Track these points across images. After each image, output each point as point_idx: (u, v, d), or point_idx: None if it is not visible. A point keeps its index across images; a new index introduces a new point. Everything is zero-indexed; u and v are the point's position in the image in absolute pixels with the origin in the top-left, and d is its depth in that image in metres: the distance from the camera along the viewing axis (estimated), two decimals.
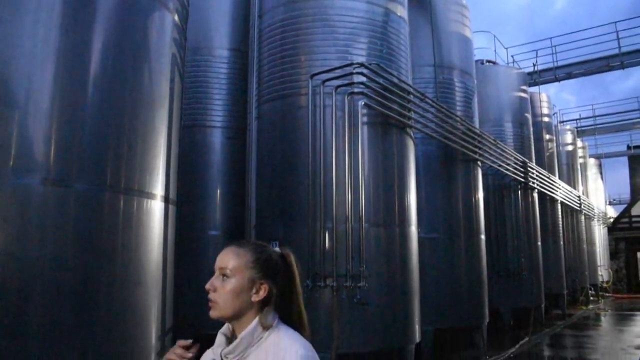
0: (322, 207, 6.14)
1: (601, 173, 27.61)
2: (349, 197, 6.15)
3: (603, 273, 22.84)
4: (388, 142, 6.73)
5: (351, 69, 6.40)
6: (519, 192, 12.11)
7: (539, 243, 13.06)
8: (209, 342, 1.72)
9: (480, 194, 9.73)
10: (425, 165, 8.81)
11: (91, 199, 3.89)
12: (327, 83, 6.39)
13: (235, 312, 1.54)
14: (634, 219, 26.54)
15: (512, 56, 19.65)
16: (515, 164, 11.71)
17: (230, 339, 1.61)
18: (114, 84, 4.14)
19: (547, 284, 13.57)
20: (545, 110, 17.03)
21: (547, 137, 16.69)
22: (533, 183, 12.65)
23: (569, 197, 16.85)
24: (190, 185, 7.83)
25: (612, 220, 27.50)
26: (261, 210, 6.83)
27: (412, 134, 7.27)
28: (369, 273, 6.02)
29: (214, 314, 1.56)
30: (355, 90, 6.41)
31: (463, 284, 8.88)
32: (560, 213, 15.84)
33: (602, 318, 15.79)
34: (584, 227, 19.56)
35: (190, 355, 1.57)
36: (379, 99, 6.59)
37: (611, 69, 19.72)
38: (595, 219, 22.41)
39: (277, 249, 1.68)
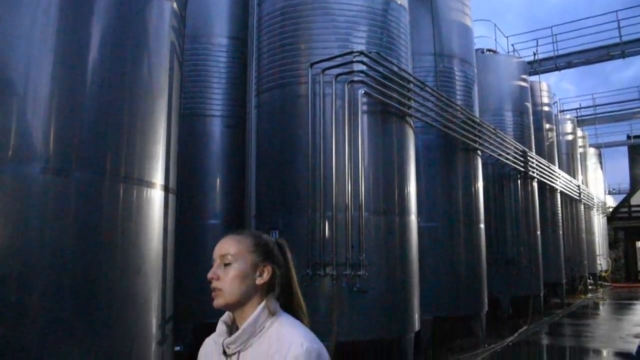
0: (322, 196, 6.14)
1: (601, 163, 27.61)
2: (348, 186, 6.15)
3: (602, 262, 22.91)
4: (388, 131, 6.71)
5: (351, 58, 6.37)
6: (519, 181, 12.11)
7: (539, 232, 13.09)
8: (208, 331, 1.72)
9: (480, 183, 9.73)
10: (425, 154, 8.80)
11: (91, 188, 3.89)
12: (327, 72, 6.36)
13: (240, 298, 1.54)
14: (633, 209, 26.58)
15: (512, 45, 19.59)
16: (515, 153, 11.70)
17: (231, 327, 1.61)
18: (113, 72, 4.12)
19: (546, 273, 13.61)
20: (545, 100, 16.99)
21: (547, 126, 16.67)
22: (533, 172, 12.65)
23: (568, 187, 16.86)
24: (190, 174, 7.82)
25: (611, 210, 27.55)
26: (261, 199, 6.83)
27: (412, 123, 7.25)
28: (368, 262, 6.03)
29: (219, 302, 1.54)
30: (355, 78, 6.38)
31: (462, 273, 8.90)
32: (559, 202, 15.86)
33: (601, 307, 15.86)
34: (583, 217, 19.59)
35: None
36: (379, 87, 6.56)
37: (612, 58, 19.65)
38: (595, 209, 22.44)
39: (273, 238, 1.69)
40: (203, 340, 1.75)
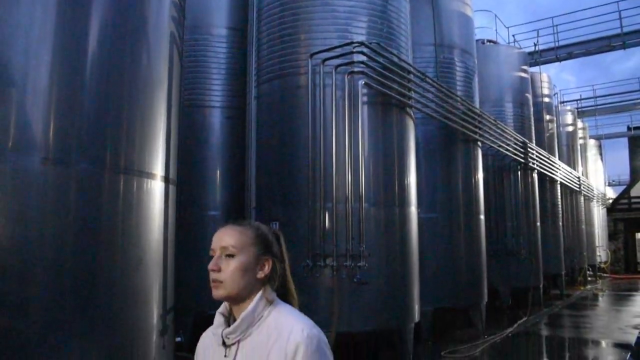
0: (322, 187, 6.13)
1: (601, 154, 27.59)
2: (348, 177, 6.14)
3: (601, 254, 22.95)
4: (388, 122, 6.70)
5: (351, 48, 6.35)
6: (519, 172, 12.11)
7: (538, 223, 13.10)
8: (209, 323, 1.71)
9: (480, 175, 9.72)
10: (425, 145, 8.78)
11: (91, 179, 3.88)
12: (326, 62, 6.34)
13: (241, 290, 1.53)
14: (633, 200, 26.60)
15: (513, 36, 19.56)
16: (515, 144, 11.69)
17: (228, 318, 1.60)
18: (112, 62, 4.10)
19: (546, 264, 13.64)
20: (545, 91, 16.94)
21: (548, 117, 16.63)
22: (533, 164, 12.64)
23: (568, 178, 16.86)
24: (190, 166, 7.82)
25: (611, 201, 27.57)
26: (261, 190, 6.82)
27: (412, 114, 7.24)
28: (368, 253, 6.03)
29: (219, 293, 1.54)
30: (355, 69, 6.36)
31: (462, 264, 8.91)
32: (559, 194, 15.87)
33: (600, 298, 15.90)
34: (583, 208, 19.61)
35: None
36: (379, 78, 6.54)
37: (612, 48, 19.58)
38: (595, 200, 22.46)
39: (271, 228, 1.68)
40: (203, 331, 1.75)
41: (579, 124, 22.47)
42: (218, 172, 8.31)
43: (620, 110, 26.46)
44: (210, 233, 1.63)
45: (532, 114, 13.88)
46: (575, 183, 18.04)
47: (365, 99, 6.49)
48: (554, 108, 17.90)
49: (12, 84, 3.74)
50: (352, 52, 6.34)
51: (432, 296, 8.17)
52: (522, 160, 11.96)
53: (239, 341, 1.53)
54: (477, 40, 11.58)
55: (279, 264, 1.62)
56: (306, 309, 1.61)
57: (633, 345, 8.46)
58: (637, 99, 25.19)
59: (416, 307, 6.77)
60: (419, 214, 7.26)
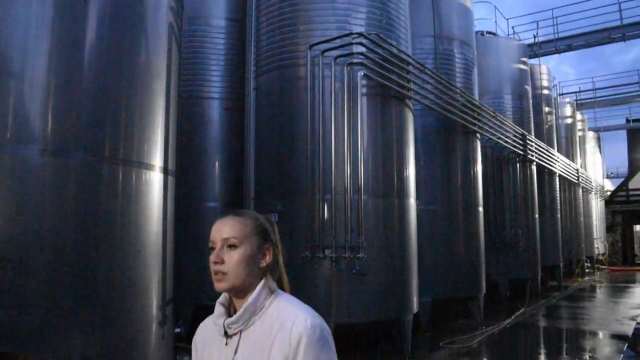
0: (321, 179, 6.13)
1: (599, 146, 27.59)
2: (347, 168, 6.14)
3: (599, 246, 23.01)
4: (387, 114, 6.69)
5: (350, 39, 6.32)
6: (518, 164, 12.11)
7: (537, 215, 13.12)
8: (208, 313, 1.71)
9: (479, 167, 9.72)
10: (424, 137, 8.78)
11: (90, 170, 3.88)
12: (326, 53, 6.32)
13: (244, 281, 1.53)
14: (631, 193, 26.63)
15: (512, 27, 19.51)
16: (515, 136, 11.69)
17: (228, 308, 1.60)
18: (110, 53, 4.09)
19: (544, 256, 13.68)
20: (545, 83, 16.92)
21: (547, 109, 16.61)
22: (532, 156, 12.64)
23: (567, 170, 16.88)
24: (188, 157, 7.81)
25: (609, 193, 27.60)
26: (260, 182, 6.82)
27: (411, 106, 7.22)
28: (367, 244, 6.04)
29: (223, 285, 1.53)
30: (355, 60, 6.34)
31: (461, 255, 8.93)
32: (558, 186, 15.89)
33: (598, 290, 15.95)
34: (581, 200, 19.63)
35: None
36: (379, 69, 6.52)
37: (612, 40, 19.55)
38: (593, 192, 22.49)
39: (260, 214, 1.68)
40: (202, 321, 1.74)
41: (578, 116, 22.45)
42: (217, 163, 8.30)
43: (619, 102, 26.45)
44: (209, 225, 1.62)
45: (531, 106, 13.87)
46: (574, 175, 18.06)
47: (364, 90, 6.47)
48: (553, 100, 17.88)
49: (10, 75, 3.73)
50: (351, 43, 6.32)
51: (430, 287, 8.19)
52: (521, 152, 11.96)
53: (240, 331, 1.53)
54: (476, 32, 11.54)
55: (277, 253, 1.63)
56: (305, 300, 1.61)
57: (630, 336, 8.51)
58: (636, 91, 25.17)
59: (415, 298, 6.79)
60: (417, 205, 7.27)
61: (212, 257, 1.53)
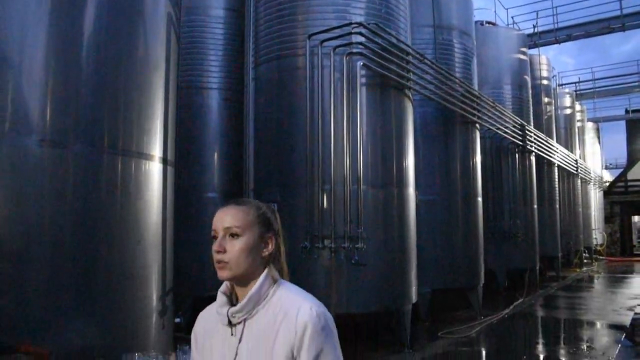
0: (320, 169, 6.13)
1: (598, 137, 27.59)
2: (347, 158, 6.14)
3: (597, 236, 23.07)
4: (386, 104, 6.68)
5: (349, 29, 6.30)
6: (517, 155, 12.11)
7: (535, 206, 13.14)
8: (208, 303, 1.71)
9: (478, 157, 9.72)
10: (423, 127, 8.76)
11: (89, 160, 3.87)
12: (325, 43, 6.29)
13: (246, 270, 1.53)
14: (629, 184, 26.66)
15: (512, 17, 19.40)
16: (514, 126, 11.67)
17: (230, 297, 1.60)
18: (109, 44, 4.07)
19: (542, 246, 13.71)
20: (544, 73, 16.87)
21: (546, 100, 16.59)
22: (531, 146, 12.64)
23: (566, 161, 16.88)
24: (187, 148, 7.79)
25: (608, 184, 27.63)
26: (259, 172, 6.82)
27: (410, 96, 7.21)
28: (366, 234, 6.05)
29: (225, 274, 1.52)
30: (354, 50, 6.32)
31: (459, 246, 8.95)
32: (557, 176, 15.90)
33: (596, 280, 16.02)
34: (580, 191, 19.66)
35: None
36: (378, 59, 6.50)
37: (612, 30, 19.48)
38: (592, 183, 22.52)
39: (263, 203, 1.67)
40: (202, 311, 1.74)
41: (577, 107, 22.43)
42: (216, 154, 8.29)
43: (619, 93, 26.43)
44: (209, 215, 1.62)
45: (531, 97, 13.84)
46: (573, 166, 18.07)
47: (363, 80, 6.45)
48: (552, 90, 17.84)
49: (8, 66, 3.72)
50: (350, 33, 6.30)
51: (429, 278, 8.22)
52: (520, 143, 11.96)
53: (245, 320, 1.53)
54: (475, 22, 11.48)
55: (279, 242, 1.62)
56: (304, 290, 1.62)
57: (628, 326, 8.55)
58: (636, 81, 25.15)
59: (414, 289, 6.81)
60: (416, 196, 7.27)
61: (215, 246, 1.53)
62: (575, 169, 18.34)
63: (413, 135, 7.17)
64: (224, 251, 1.52)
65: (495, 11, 16.76)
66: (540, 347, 7.50)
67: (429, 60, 7.96)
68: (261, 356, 1.48)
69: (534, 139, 13.02)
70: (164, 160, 4.47)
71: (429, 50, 9.08)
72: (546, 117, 16.28)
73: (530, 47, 16.35)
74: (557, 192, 15.82)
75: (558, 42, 20.54)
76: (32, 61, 3.75)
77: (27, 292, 3.57)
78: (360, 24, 6.32)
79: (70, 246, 3.73)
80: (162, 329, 4.30)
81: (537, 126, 14.30)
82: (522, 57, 13.64)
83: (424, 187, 8.48)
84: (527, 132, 12.30)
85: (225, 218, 1.55)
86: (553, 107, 17.39)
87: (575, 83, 26.28)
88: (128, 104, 4.16)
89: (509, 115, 11.36)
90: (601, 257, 23.13)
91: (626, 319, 9.16)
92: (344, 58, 6.27)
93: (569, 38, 20.41)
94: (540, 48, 19.04)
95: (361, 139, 6.25)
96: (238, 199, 1.64)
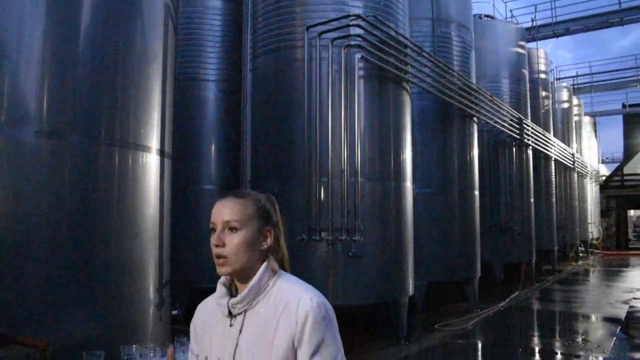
0: (318, 161, 6.12)
1: (595, 131, 27.63)
2: (344, 151, 6.13)
3: (593, 230, 23.15)
4: (384, 96, 6.66)
5: (348, 21, 6.27)
6: (514, 149, 12.12)
7: (532, 199, 13.16)
8: (205, 295, 1.71)
9: (475, 150, 9.73)
10: (420, 120, 8.75)
11: (86, 152, 3.86)
12: (323, 35, 6.26)
13: (246, 264, 1.52)
14: (625, 178, 26.72)
15: (510, 11, 19.35)
16: (511, 120, 11.67)
17: (230, 288, 1.60)
18: (106, 35, 4.05)
19: (539, 240, 13.75)
20: (542, 67, 16.86)
21: (543, 94, 16.58)
22: (528, 140, 12.65)
23: (563, 155, 16.91)
24: (185, 140, 7.78)
25: (604, 178, 27.70)
26: (256, 165, 6.81)
27: (408, 89, 7.19)
28: (364, 227, 6.06)
29: (225, 269, 1.52)
30: (352, 43, 6.30)
31: (456, 239, 8.98)
32: (553, 170, 15.93)
33: (591, 274, 16.10)
34: (576, 185, 19.71)
35: None
36: (376, 52, 6.48)
37: (610, 25, 19.47)
38: (588, 177, 22.57)
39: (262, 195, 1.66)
40: (199, 304, 1.74)
41: (575, 101, 22.45)
42: (213, 146, 8.27)
43: (616, 87, 26.46)
44: (206, 207, 1.61)
45: (528, 90, 13.84)
46: (570, 160, 18.10)
47: (361, 73, 6.43)
48: (550, 84, 17.83)
49: (5, 57, 3.70)
50: (348, 25, 6.27)
51: (426, 270, 8.24)
52: (518, 137, 11.97)
53: (245, 311, 1.53)
54: (474, 15, 11.46)
55: (278, 234, 1.62)
56: None
57: (623, 319, 8.60)
58: (633, 76, 25.18)
59: (410, 281, 6.83)
60: (414, 189, 7.27)
61: (213, 240, 1.52)
62: (572, 163, 18.37)
63: (411, 129, 7.16)
64: (223, 245, 1.51)
65: (493, 4, 16.70)
66: (536, 340, 7.54)
67: (427, 53, 7.94)
68: (262, 347, 1.48)
69: (531, 132, 13.03)
70: (162, 152, 4.46)
71: (427, 43, 9.06)
72: (543, 111, 16.29)
73: (528, 41, 16.32)
74: (553, 186, 15.85)
75: (556, 35, 20.53)
76: (30, 52, 3.73)
77: (24, 283, 3.56)
78: (358, 16, 6.29)
79: (68, 238, 3.72)
80: (160, 321, 4.31)
81: (535, 120, 14.30)
82: (520, 50, 13.62)
83: (421, 181, 8.48)
84: (524, 125, 12.30)
85: (224, 211, 1.54)
86: (550, 101, 17.39)
87: (572, 77, 26.31)
88: (125, 96, 4.15)
89: (506, 109, 11.35)
90: (597, 251, 23.22)
91: (621, 312, 9.22)
92: (342, 50, 6.25)
93: (567, 32, 20.40)
94: (538, 42, 19.03)
95: (359, 131, 6.24)
96: (237, 191, 1.63)
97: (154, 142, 4.34)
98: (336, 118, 6.19)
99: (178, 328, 5.29)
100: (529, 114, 13.58)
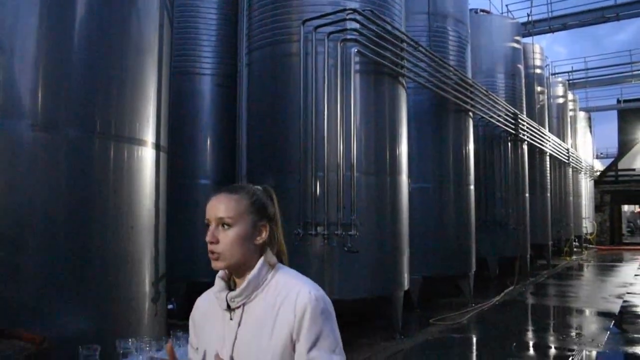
0: (314, 156, 6.12)
1: (590, 126, 27.70)
2: (340, 145, 6.12)
3: (587, 225, 23.25)
4: (380, 91, 6.66)
5: (344, 15, 6.25)
6: (509, 143, 12.15)
7: (527, 194, 13.21)
8: (201, 290, 1.71)
9: (471, 145, 9.74)
10: (416, 114, 8.74)
11: (81, 145, 3.84)
12: (319, 29, 6.25)
13: (240, 259, 1.52)
14: (620, 173, 26.83)
15: (506, 5, 19.34)
16: (506, 115, 11.70)
17: (228, 282, 1.60)
18: (101, 28, 4.02)
19: (533, 234, 13.81)
20: (537, 62, 16.88)
21: (539, 89, 16.62)
22: (523, 135, 12.68)
23: (557, 150, 16.96)
24: (180, 134, 7.74)
25: (598, 173, 27.80)
26: (252, 159, 6.80)
27: (404, 83, 7.19)
28: (359, 222, 6.06)
29: (219, 265, 1.52)
30: (348, 37, 6.28)
31: (451, 233, 9.00)
32: (548, 165, 15.98)
33: (585, 269, 16.19)
34: (571, 180, 19.77)
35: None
36: (372, 46, 6.47)
37: (606, 20, 19.52)
38: (583, 172, 22.65)
39: (258, 187, 1.66)
40: (196, 298, 1.74)
41: (570, 96, 22.48)
42: (208, 140, 8.25)
43: (611, 82, 26.52)
44: (201, 201, 1.61)
45: (524, 86, 13.86)
46: (564, 155, 18.16)
47: (357, 67, 6.42)
48: (545, 80, 17.87)
49: None
50: (344, 20, 6.25)
51: (421, 265, 8.25)
52: (513, 132, 11.99)
53: (244, 304, 1.53)
54: (470, 10, 11.46)
55: (275, 227, 1.62)
56: None
57: (617, 314, 8.65)
58: (628, 71, 25.24)
59: (406, 276, 6.84)
60: (409, 183, 7.28)
61: (208, 237, 1.52)
62: (566, 158, 18.43)
63: (406, 123, 7.16)
64: (217, 242, 1.51)
65: None
66: (530, 334, 7.58)
67: (424, 48, 7.94)
68: (261, 340, 1.48)
69: (527, 127, 13.06)
70: (157, 146, 4.45)
71: (423, 38, 9.06)
72: (539, 106, 16.33)
73: (524, 36, 16.34)
74: (548, 180, 15.91)
75: (552, 31, 20.56)
76: (24, 45, 3.70)
77: (20, 277, 3.55)
78: (354, 11, 6.27)
79: (63, 231, 3.71)
80: (155, 315, 4.30)
81: (530, 115, 14.34)
82: (515, 45, 13.63)
83: (417, 175, 8.49)
84: (519, 120, 12.33)
85: (218, 207, 1.53)
86: (546, 96, 17.43)
87: (568, 72, 26.36)
88: (121, 89, 4.12)
89: (502, 104, 11.37)
90: (591, 246, 23.34)
91: (615, 306, 9.28)
92: (338, 44, 6.23)
93: (563, 27, 20.44)
94: (534, 37, 19.04)
95: (355, 126, 6.24)
96: (231, 186, 1.63)
97: (149, 136, 4.32)
98: (332, 112, 6.18)
99: (174, 322, 5.29)
100: (524, 109, 13.61)
